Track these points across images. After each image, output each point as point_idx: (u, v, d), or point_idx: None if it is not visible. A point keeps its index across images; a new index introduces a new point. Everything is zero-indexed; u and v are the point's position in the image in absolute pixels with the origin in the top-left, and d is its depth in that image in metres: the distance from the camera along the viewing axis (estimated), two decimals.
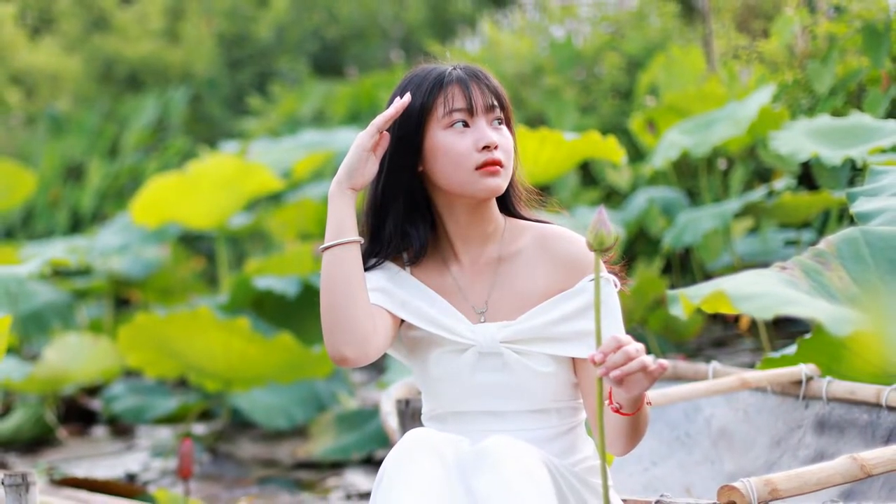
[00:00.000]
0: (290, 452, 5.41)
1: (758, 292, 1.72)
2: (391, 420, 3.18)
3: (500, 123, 2.19)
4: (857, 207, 2.46)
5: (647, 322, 5.48)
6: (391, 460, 2.01)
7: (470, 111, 2.16)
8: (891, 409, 2.69)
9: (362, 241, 2.18)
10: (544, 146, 4.77)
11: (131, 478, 5.17)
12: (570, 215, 3.24)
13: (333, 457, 5.18)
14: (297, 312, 6.20)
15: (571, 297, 2.16)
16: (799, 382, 2.96)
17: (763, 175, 5.90)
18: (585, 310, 2.15)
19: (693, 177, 6.27)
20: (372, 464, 5.09)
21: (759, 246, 5.68)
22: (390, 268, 2.23)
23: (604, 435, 1.86)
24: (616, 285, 2.18)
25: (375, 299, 2.17)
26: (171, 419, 6.06)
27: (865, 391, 2.77)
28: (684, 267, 6.28)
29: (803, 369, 2.96)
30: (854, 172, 4.67)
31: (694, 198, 6.21)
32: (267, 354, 5.20)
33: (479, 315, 2.21)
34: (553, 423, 2.18)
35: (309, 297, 6.08)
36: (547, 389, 2.17)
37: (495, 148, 2.15)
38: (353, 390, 5.91)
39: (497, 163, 2.15)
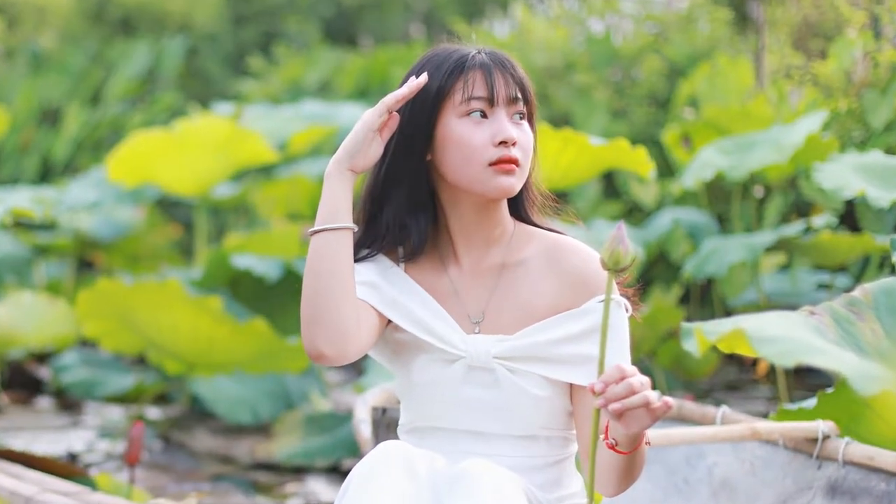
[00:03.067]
0: (250, 450, 5.41)
1: (781, 336, 1.72)
2: (364, 428, 3.18)
3: (521, 118, 2.19)
4: None
5: (656, 354, 5.48)
6: (359, 472, 2.01)
7: (490, 101, 2.16)
8: None
9: (356, 229, 2.17)
10: (567, 149, 4.76)
11: (73, 457, 5.18)
12: (586, 228, 3.23)
13: (296, 461, 5.18)
14: (275, 298, 6.20)
15: (577, 318, 2.16)
16: (814, 440, 2.96)
17: (802, 209, 5.90)
18: (591, 333, 2.14)
19: (725, 202, 6.27)
20: (338, 473, 5.09)
21: (789, 286, 5.68)
22: (383, 262, 2.23)
23: (594, 471, 1.86)
24: (627, 310, 2.18)
25: (362, 294, 2.16)
26: (124, 399, 6.06)
27: (885, 458, 2.76)
28: (704, 299, 6.28)
29: (820, 426, 2.96)
30: None
31: (724, 224, 6.21)
32: (237, 340, 5.20)
33: (473, 325, 2.20)
34: (541, 451, 2.18)
35: (291, 283, 6.08)
36: (538, 414, 2.16)
37: (513, 144, 2.15)
38: (327, 390, 5.91)
39: (513, 161, 2.14)
